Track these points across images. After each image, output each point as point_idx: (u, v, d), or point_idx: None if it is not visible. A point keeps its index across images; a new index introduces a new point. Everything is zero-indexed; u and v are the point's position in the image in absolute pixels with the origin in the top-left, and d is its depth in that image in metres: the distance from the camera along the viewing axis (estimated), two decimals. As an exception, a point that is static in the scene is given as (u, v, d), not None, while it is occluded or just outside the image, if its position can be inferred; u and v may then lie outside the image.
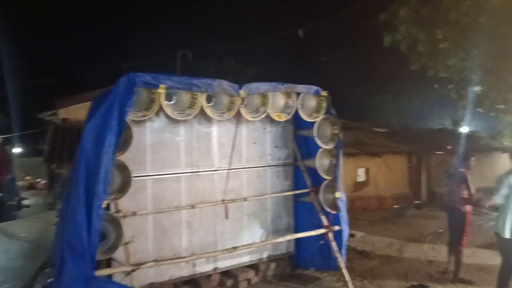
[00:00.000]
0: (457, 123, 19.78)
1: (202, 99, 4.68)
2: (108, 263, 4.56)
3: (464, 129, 16.94)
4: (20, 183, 19.30)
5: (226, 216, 5.40)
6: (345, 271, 5.40)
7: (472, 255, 6.81)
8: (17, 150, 22.86)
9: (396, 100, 24.78)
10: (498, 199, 4.75)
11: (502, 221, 4.67)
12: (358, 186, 12.36)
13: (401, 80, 22.66)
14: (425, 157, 13.79)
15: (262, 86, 5.03)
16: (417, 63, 12.22)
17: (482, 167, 14.05)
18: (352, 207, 11.54)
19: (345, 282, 5.33)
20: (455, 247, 5.87)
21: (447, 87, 12.81)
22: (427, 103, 23.62)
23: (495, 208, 5.01)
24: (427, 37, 11.08)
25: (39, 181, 21.59)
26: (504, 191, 4.66)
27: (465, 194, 5.70)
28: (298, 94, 5.40)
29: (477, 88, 11.80)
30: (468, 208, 5.79)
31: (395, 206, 12.00)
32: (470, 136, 15.75)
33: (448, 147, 12.97)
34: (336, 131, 5.73)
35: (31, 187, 21.10)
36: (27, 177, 21.94)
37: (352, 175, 12.30)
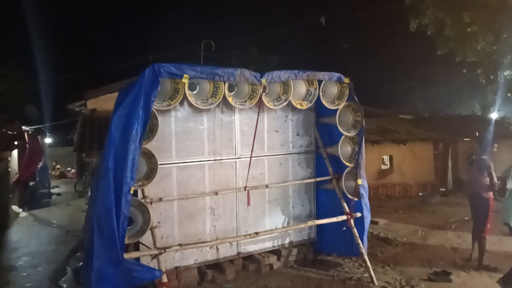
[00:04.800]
0: (486, 108, 19.21)
1: (224, 88, 4.77)
2: (136, 246, 4.76)
3: (493, 115, 16.44)
4: (51, 172, 20.12)
5: (248, 203, 5.52)
6: (366, 257, 5.44)
7: (498, 243, 6.71)
8: (48, 140, 23.68)
9: (423, 86, 24.21)
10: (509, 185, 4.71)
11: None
12: (383, 173, 12.26)
13: (428, 65, 22.11)
14: (452, 144, 13.51)
15: (284, 74, 5.07)
16: (445, 47, 11.90)
17: (513, 154, 13.67)
18: (376, 194, 11.54)
19: (367, 268, 5.38)
20: (478, 234, 5.81)
21: (476, 71, 12.45)
22: (456, 88, 22.98)
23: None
24: (454, 21, 10.76)
25: (70, 170, 22.39)
26: None
27: (487, 181, 5.63)
28: (320, 81, 5.40)
29: (507, 72, 11.43)
30: (491, 194, 5.72)
31: (420, 194, 11.86)
32: (499, 122, 15.27)
33: (476, 133, 12.65)
34: (359, 118, 5.72)
35: (62, 175, 21.90)
36: (58, 166, 22.76)
37: (377, 163, 12.21)
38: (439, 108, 22.56)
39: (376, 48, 23.53)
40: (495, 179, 5.62)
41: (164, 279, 4.29)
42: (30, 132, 12.91)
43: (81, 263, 5.79)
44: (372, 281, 5.24)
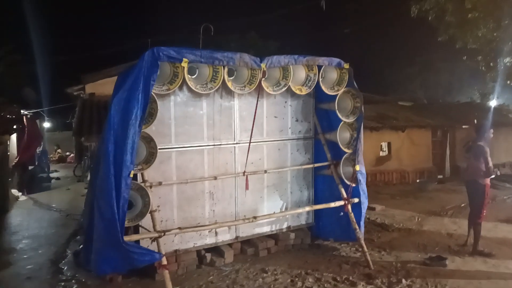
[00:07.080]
0: (485, 96, 19.20)
1: (224, 72, 4.75)
2: (136, 230, 4.81)
3: (492, 103, 16.44)
4: (50, 157, 20.12)
5: (247, 187, 5.55)
6: (363, 242, 5.51)
7: (493, 229, 6.79)
8: (47, 124, 23.62)
9: (423, 73, 24.09)
10: None
11: None
12: (381, 160, 12.31)
13: (429, 52, 21.97)
14: (450, 131, 13.54)
15: (283, 59, 5.04)
16: (445, 34, 11.86)
17: (510, 141, 13.74)
18: (373, 181, 11.62)
19: (363, 252, 5.45)
20: (474, 220, 5.88)
21: (476, 58, 12.42)
22: (455, 76, 22.90)
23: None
24: (455, 7, 10.72)
25: (69, 154, 22.38)
26: None
27: (483, 167, 5.68)
28: (319, 66, 5.38)
29: (508, 59, 11.41)
30: (487, 181, 5.77)
31: (417, 180, 11.93)
32: (498, 109, 15.29)
33: (474, 120, 12.68)
34: (358, 104, 5.71)
35: (61, 160, 21.89)
36: (59, 151, 22.75)
37: (375, 149, 12.25)
38: (439, 95, 22.53)
39: (377, 34, 23.30)
40: (491, 164, 5.66)
41: (164, 261, 4.34)
42: (28, 116, 12.87)
43: (81, 246, 5.86)
44: (368, 265, 5.32)
